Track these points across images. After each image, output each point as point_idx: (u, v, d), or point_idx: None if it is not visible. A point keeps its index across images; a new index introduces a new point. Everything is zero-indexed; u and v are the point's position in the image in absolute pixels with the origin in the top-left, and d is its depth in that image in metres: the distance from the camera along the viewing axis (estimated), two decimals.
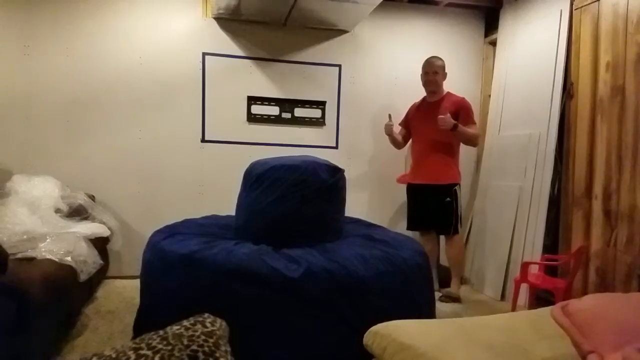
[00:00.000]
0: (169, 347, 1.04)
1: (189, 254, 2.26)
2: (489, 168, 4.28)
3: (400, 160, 4.43)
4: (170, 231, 2.63)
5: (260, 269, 2.15)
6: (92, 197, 3.69)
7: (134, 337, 2.38)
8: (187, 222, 2.92)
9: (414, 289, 2.42)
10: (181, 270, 2.25)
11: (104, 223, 3.37)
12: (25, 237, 2.63)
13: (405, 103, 4.47)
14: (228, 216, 3.14)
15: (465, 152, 4.35)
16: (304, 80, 4.28)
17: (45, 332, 2.22)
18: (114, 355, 1.04)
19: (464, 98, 3.82)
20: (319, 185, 2.61)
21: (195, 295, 2.18)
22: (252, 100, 4.17)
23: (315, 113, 4.32)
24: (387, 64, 4.46)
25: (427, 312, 2.52)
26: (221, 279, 2.16)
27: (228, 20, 4.07)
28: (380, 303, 2.24)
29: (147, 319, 2.42)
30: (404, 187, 4.35)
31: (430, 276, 2.70)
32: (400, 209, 4.55)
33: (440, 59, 3.85)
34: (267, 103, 4.21)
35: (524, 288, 3.33)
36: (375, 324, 1.83)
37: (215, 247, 2.33)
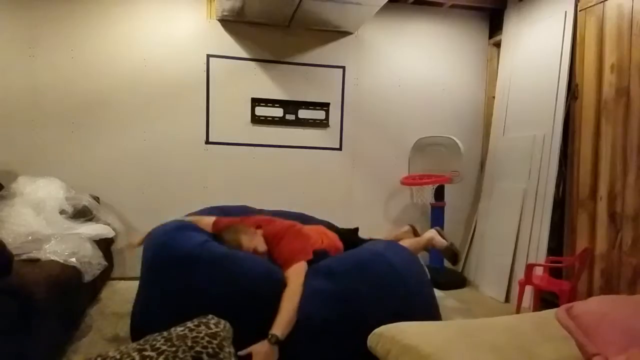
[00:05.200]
0: (173, 349, 1.05)
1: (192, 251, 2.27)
2: (493, 169, 4.27)
3: (404, 162, 4.42)
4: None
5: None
6: (97, 199, 3.70)
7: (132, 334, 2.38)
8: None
9: (412, 291, 2.42)
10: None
11: (108, 224, 3.37)
12: (30, 238, 2.64)
13: (409, 104, 4.49)
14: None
15: (469, 152, 4.34)
16: (307, 82, 4.28)
17: (50, 333, 2.23)
18: (118, 356, 1.05)
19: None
20: None
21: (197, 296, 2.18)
22: (256, 102, 4.18)
23: (319, 115, 4.32)
24: (391, 66, 4.46)
25: (430, 314, 2.50)
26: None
27: (232, 22, 4.08)
28: (379, 309, 2.23)
29: (144, 319, 2.41)
30: (408, 188, 4.36)
31: (426, 277, 2.69)
32: (405, 210, 4.54)
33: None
34: (271, 105, 4.21)
35: (528, 290, 3.32)
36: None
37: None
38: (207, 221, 2.74)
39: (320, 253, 2.49)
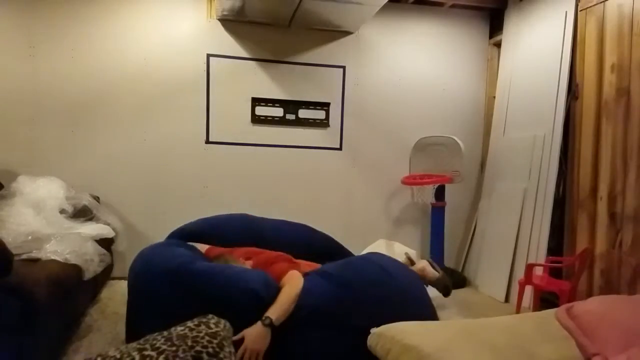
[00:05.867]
0: (173, 348, 1.05)
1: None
2: (493, 169, 4.27)
3: (405, 161, 4.42)
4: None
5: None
6: (97, 198, 3.70)
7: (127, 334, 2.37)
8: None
9: (402, 282, 2.46)
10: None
11: (108, 224, 3.37)
12: (30, 238, 2.64)
13: (409, 104, 4.49)
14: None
15: (469, 152, 4.34)
16: (308, 82, 4.28)
17: (50, 333, 2.23)
18: (118, 356, 1.05)
19: None
20: None
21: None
22: (256, 101, 4.18)
23: (320, 114, 4.32)
24: (391, 65, 4.45)
25: (426, 306, 2.51)
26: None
27: (232, 22, 4.08)
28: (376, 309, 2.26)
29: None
30: (408, 188, 4.35)
31: (417, 279, 2.72)
32: (405, 210, 4.54)
33: None
34: (271, 104, 4.21)
35: (528, 290, 3.32)
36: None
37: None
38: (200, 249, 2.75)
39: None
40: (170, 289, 2.17)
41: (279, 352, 2.05)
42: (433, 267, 3.43)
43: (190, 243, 2.74)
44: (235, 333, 1.33)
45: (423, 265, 3.29)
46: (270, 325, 2.00)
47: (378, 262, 2.50)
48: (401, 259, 3.48)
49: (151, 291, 2.23)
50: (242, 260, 2.54)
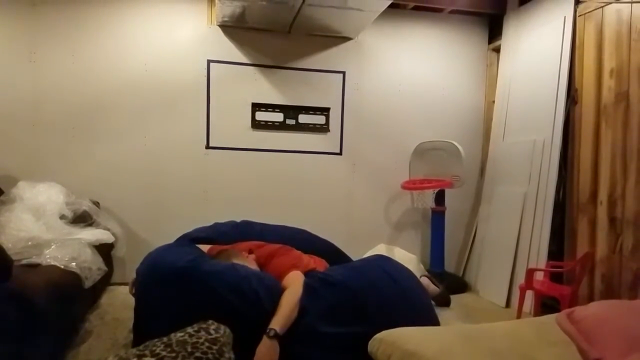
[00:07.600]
0: (173, 354, 1.04)
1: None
2: (493, 174, 4.27)
3: (405, 166, 4.42)
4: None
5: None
6: (97, 204, 3.70)
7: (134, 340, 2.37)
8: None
9: (403, 285, 2.47)
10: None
11: (108, 229, 3.37)
12: (30, 243, 2.64)
13: (409, 109, 4.50)
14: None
15: (469, 157, 4.34)
16: (308, 87, 4.29)
17: (50, 339, 2.22)
18: None
19: None
20: None
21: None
22: (256, 106, 4.18)
23: (320, 119, 4.33)
24: (391, 71, 4.46)
25: (429, 319, 2.51)
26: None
27: (233, 28, 4.09)
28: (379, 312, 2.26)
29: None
30: (408, 193, 4.35)
31: (419, 283, 2.74)
32: (405, 214, 4.54)
33: None
34: (271, 110, 4.22)
35: (529, 295, 3.31)
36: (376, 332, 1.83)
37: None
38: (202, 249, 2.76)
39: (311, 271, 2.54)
40: (177, 286, 2.17)
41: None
42: (433, 283, 3.50)
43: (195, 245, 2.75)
44: (235, 336, 1.32)
45: (426, 283, 3.41)
46: (276, 336, 2.00)
47: (381, 267, 2.51)
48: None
49: (158, 289, 2.23)
50: (245, 255, 2.54)
